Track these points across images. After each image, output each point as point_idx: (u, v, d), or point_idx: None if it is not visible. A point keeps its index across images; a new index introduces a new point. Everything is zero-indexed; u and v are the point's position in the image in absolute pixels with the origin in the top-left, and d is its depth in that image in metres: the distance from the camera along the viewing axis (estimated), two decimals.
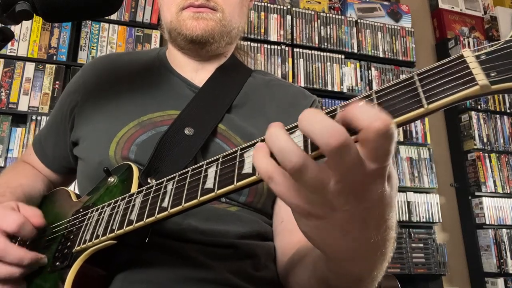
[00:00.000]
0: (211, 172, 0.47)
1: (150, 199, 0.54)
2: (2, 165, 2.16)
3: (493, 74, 0.34)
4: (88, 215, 0.64)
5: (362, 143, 0.34)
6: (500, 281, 2.65)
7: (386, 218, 0.41)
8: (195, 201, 0.46)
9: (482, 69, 0.35)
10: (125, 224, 0.54)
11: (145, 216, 0.52)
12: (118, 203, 0.60)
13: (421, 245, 2.58)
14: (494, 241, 2.72)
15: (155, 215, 0.51)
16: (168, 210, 0.49)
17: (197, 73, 0.83)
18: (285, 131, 0.36)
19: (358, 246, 0.42)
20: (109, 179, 0.68)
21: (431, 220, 2.68)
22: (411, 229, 2.64)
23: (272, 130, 0.36)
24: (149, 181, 0.64)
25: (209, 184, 0.46)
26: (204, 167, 0.49)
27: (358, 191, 0.36)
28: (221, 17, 0.77)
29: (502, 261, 2.69)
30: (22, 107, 2.25)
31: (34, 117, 2.24)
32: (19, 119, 2.28)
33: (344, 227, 0.39)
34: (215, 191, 0.45)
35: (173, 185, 0.51)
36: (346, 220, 0.38)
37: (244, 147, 0.46)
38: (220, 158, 0.47)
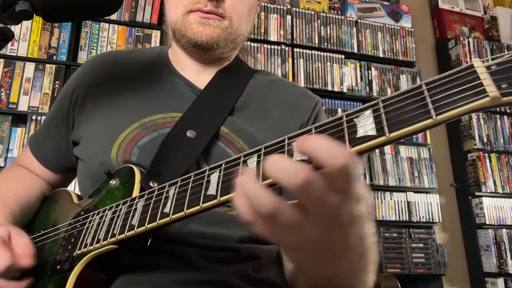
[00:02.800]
0: (214, 178, 0.47)
1: (151, 203, 0.53)
2: (2, 165, 2.16)
3: (504, 86, 0.34)
4: (90, 218, 0.64)
5: (327, 177, 0.36)
6: (500, 281, 2.65)
7: (365, 232, 0.43)
8: (197, 207, 0.46)
9: (492, 81, 0.34)
10: (126, 229, 0.54)
11: (147, 222, 0.52)
12: (120, 207, 0.59)
13: (421, 245, 2.58)
14: (494, 241, 2.72)
15: (157, 221, 0.50)
16: (170, 216, 0.49)
17: (199, 75, 0.82)
18: (255, 178, 0.38)
19: (344, 265, 0.44)
20: (110, 182, 0.67)
21: (431, 220, 2.68)
22: (411, 229, 2.64)
23: (242, 178, 0.38)
24: (151, 184, 0.64)
25: (212, 190, 0.45)
26: (207, 172, 0.48)
27: (333, 220, 0.38)
28: (228, 25, 0.76)
29: (502, 261, 2.69)
30: (22, 107, 2.24)
31: (34, 117, 2.24)
32: (19, 119, 2.27)
33: (326, 254, 0.42)
34: (218, 198, 0.44)
35: (175, 190, 0.51)
36: (327, 247, 0.41)
37: (248, 153, 0.45)
38: (223, 164, 0.47)
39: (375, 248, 0.49)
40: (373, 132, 0.38)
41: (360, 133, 0.38)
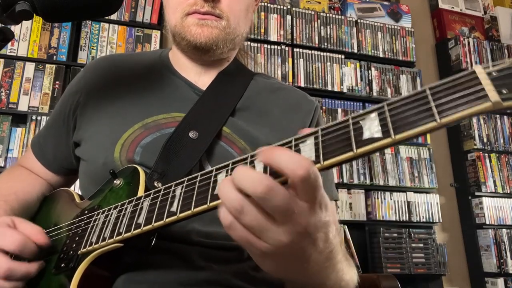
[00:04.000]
0: (221, 177, 0.47)
1: (158, 203, 0.54)
2: (2, 165, 2.16)
3: (504, 91, 0.35)
4: (94, 217, 0.64)
5: (291, 187, 0.39)
6: (500, 281, 2.65)
7: (330, 236, 0.46)
8: (204, 206, 0.47)
9: (493, 86, 0.36)
10: (132, 228, 0.54)
11: (154, 220, 0.52)
12: (125, 206, 0.60)
13: (421, 245, 2.58)
14: (494, 241, 2.73)
15: (164, 219, 0.51)
16: (177, 215, 0.49)
17: (200, 77, 0.83)
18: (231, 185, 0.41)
19: (310, 267, 0.47)
20: (114, 181, 0.68)
21: (431, 220, 2.68)
22: (411, 229, 2.64)
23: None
24: (155, 184, 0.64)
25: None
26: (214, 172, 0.49)
27: (300, 228, 0.41)
28: (226, 25, 0.77)
29: (502, 261, 2.69)
30: (22, 107, 2.24)
31: (34, 117, 2.24)
32: (19, 119, 2.27)
33: (293, 258, 0.45)
34: None
35: (182, 190, 0.51)
36: (294, 252, 0.43)
37: (254, 154, 0.46)
38: (230, 165, 0.48)
39: (342, 248, 0.53)
40: (379, 134, 0.39)
41: (366, 135, 0.40)
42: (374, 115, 0.41)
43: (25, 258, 0.63)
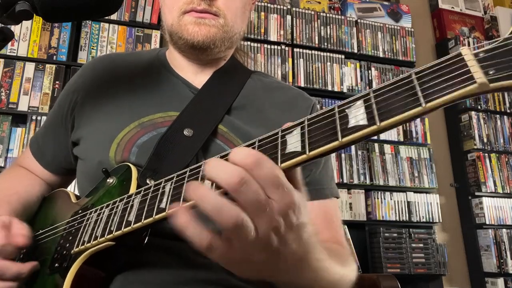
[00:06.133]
0: None
1: (148, 199, 0.54)
2: (2, 165, 2.16)
3: (491, 72, 0.34)
4: (87, 216, 0.64)
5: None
6: (500, 281, 2.65)
7: (305, 238, 0.46)
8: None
9: (480, 67, 0.35)
10: (123, 225, 0.54)
11: (143, 217, 0.52)
12: (117, 204, 0.60)
13: (421, 245, 2.58)
14: (494, 241, 2.72)
15: (153, 216, 0.50)
16: (167, 211, 0.49)
17: (196, 76, 0.83)
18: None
19: (288, 263, 0.47)
20: (108, 180, 0.68)
21: (431, 220, 2.68)
22: (411, 229, 2.64)
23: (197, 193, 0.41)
24: (148, 182, 0.64)
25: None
26: (202, 167, 0.48)
27: (271, 223, 0.41)
28: (223, 23, 0.76)
29: (502, 261, 2.69)
30: (22, 107, 2.24)
31: (34, 117, 2.24)
32: (19, 119, 2.27)
33: (274, 256, 0.44)
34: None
35: (171, 186, 0.51)
36: (273, 250, 0.43)
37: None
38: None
39: (321, 248, 0.52)
40: (364, 121, 0.39)
41: (352, 123, 0.40)
42: (359, 102, 0.40)
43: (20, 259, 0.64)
